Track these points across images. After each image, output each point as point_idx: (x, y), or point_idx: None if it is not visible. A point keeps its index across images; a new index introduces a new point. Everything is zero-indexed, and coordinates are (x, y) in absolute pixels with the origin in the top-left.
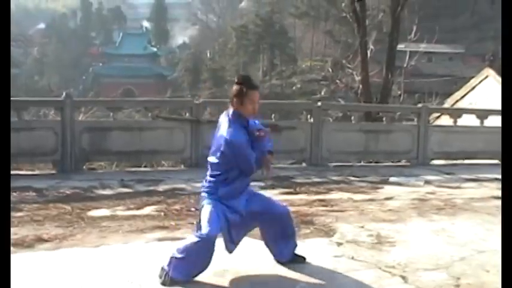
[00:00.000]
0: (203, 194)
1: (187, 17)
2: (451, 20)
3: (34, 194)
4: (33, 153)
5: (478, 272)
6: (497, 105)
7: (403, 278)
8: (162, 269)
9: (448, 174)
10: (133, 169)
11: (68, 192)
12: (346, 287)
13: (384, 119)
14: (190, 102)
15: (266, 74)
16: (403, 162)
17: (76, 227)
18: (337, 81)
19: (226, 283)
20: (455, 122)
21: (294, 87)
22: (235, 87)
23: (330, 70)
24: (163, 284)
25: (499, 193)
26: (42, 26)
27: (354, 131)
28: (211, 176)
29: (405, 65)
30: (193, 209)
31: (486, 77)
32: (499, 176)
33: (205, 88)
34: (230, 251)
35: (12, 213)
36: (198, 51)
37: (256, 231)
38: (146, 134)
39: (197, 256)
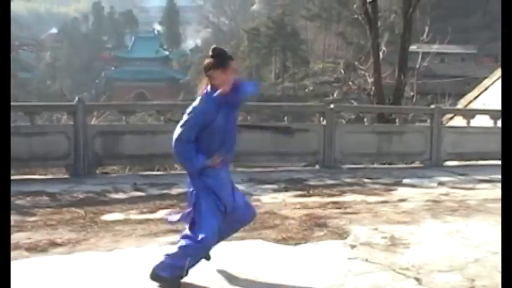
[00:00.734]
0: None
1: (199, 20)
2: (463, 21)
3: (47, 198)
4: (46, 158)
5: (492, 274)
6: None
7: (417, 280)
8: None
9: (461, 175)
10: (146, 173)
11: (81, 196)
12: None
13: (397, 120)
14: None
15: (278, 76)
16: (416, 164)
17: (89, 231)
18: (350, 83)
19: (238, 286)
20: (468, 122)
21: (306, 90)
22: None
23: (343, 72)
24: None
25: None
26: (54, 30)
27: (366, 132)
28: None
29: (418, 66)
30: None
31: (499, 77)
32: None
33: None
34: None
35: (26, 218)
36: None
37: (268, 233)
38: (159, 138)
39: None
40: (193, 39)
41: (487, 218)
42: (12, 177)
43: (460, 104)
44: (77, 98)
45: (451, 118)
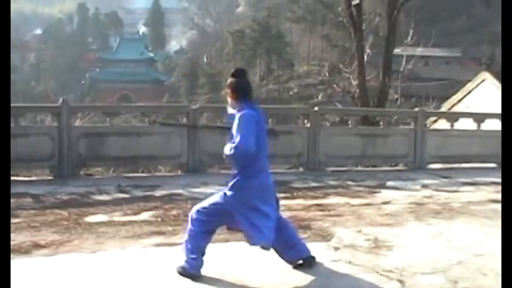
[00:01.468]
0: None
1: (184, 21)
2: (448, 24)
3: (31, 200)
4: (30, 159)
5: (475, 276)
6: (494, 108)
7: (401, 282)
8: None
9: (445, 178)
10: (130, 174)
11: (64, 198)
12: None
13: (381, 123)
14: (187, 108)
15: (263, 78)
16: (400, 167)
17: (73, 233)
18: (334, 85)
19: None
20: (452, 125)
21: (291, 92)
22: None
23: (327, 74)
24: None
25: (496, 196)
26: (38, 31)
27: (351, 135)
28: None
29: (402, 69)
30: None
31: (483, 80)
32: (496, 180)
33: (202, 93)
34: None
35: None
36: (195, 56)
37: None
38: (143, 140)
39: None
40: (178, 41)
41: (470, 220)
42: None
43: (444, 107)
44: (61, 100)
45: (435, 121)
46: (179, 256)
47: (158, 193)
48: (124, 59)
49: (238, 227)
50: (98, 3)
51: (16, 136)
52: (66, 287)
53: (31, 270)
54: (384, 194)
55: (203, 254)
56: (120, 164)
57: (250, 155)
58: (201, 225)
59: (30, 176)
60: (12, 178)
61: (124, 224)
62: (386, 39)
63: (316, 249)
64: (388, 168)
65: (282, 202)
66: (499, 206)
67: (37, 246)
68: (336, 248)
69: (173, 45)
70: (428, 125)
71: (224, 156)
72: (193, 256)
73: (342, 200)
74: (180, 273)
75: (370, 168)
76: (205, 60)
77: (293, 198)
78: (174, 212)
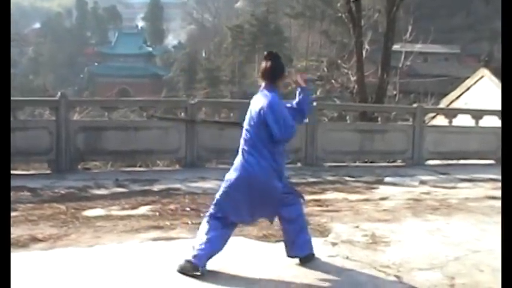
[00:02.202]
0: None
1: (183, 16)
2: (447, 20)
3: (29, 193)
4: (28, 153)
5: (472, 272)
6: (492, 105)
7: (398, 277)
8: None
9: (443, 174)
10: (128, 169)
11: (62, 192)
12: (341, 287)
13: (379, 119)
14: (186, 102)
15: None
16: (398, 162)
17: (71, 227)
18: (333, 81)
19: (219, 283)
20: (450, 122)
21: (289, 87)
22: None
23: (326, 70)
24: None
25: (493, 193)
26: (37, 25)
27: (349, 130)
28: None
29: (401, 65)
30: (188, 209)
31: (481, 77)
32: (494, 176)
33: (201, 88)
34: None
35: None
36: (194, 51)
37: (249, 230)
38: (141, 134)
39: None
40: (176, 36)
41: (467, 216)
42: None
43: (442, 104)
44: (59, 94)
45: (433, 117)
46: (177, 250)
47: (156, 187)
48: (122, 54)
49: None
50: None
51: (14, 130)
52: (63, 280)
53: (29, 264)
54: (382, 190)
55: None
56: (118, 158)
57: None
58: None
59: (28, 170)
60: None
61: (122, 218)
62: (385, 35)
63: (314, 245)
64: (386, 164)
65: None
66: (496, 203)
67: (35, 240)
68: (334, 244)
69: (172, 40)
70: (426, 121)
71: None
72: None
73: (339, 195)
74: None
75: (368, 164)
76: (203, 55)
77: None
78: (172, 207)
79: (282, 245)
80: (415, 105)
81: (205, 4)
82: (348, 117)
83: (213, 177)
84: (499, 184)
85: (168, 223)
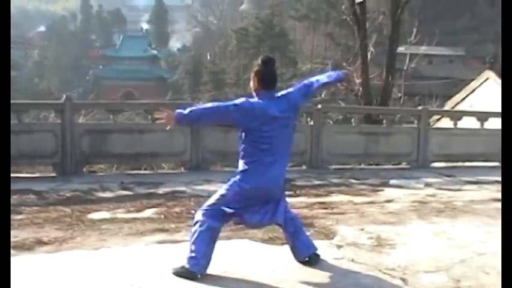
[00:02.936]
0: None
1: (188, 19)
2: (451, 23)
3: (34, 196)
4: (33, 156)
5: (478, 274)
6: (498, 107)
7: (403, 280)
8: None
9: (448, 176)
10: (134, 172)
11: (68, 194)
12: None
13: (384, 121)
14: (191, 105)
15: None
16: (403, 165)
17: (76, 230)
18: (337, 83)
19: (224, 285)
20: (455, 124)
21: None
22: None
23: None
24: None
25: (499, 195)
26: (42, 28)
27: (354, 133)
28: None
29: (405, 68)
30: (193, 212)
31: (486, 79)
32: (499, 179)
33: (206, 91)
34: None
35: (13, 216)
36: (198, 54)
37: (254, 233)
38: (146, 137)
39: None
40: (181, 39)
41: (473, 219)
42: None
43: (447, 106)
44: (64, 96)
45: (438, 119)
46: (182, 253)
47: (161, 190)
48: (127, 56)
49: None
50: (101, 0)
51: (19, 133)
52: (69, 283)
53: (34, 267)
54: (387, 192)
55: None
56: (123, 161)
57: None
58: None
59: (33, 173)
60: (15, 175)
61: (127, 221)
62: (390, 38)
63: (319, 247)
64: (391, 166)
65: None
66: None
67: (40, 242)
68: (339, 246)
69: (176, 43)
70: (431, 124)
71: None
72: None
73: (344, 198)
74: None
75: (373, 167)
76: (208, 57)
77: (296, 196)
78: (177, 209)
79: (287, 247)
80: (420, 107)
81: (209, 7)
82: (353, 120)
83: (218, 180)
84: None
85: (173, 226)
